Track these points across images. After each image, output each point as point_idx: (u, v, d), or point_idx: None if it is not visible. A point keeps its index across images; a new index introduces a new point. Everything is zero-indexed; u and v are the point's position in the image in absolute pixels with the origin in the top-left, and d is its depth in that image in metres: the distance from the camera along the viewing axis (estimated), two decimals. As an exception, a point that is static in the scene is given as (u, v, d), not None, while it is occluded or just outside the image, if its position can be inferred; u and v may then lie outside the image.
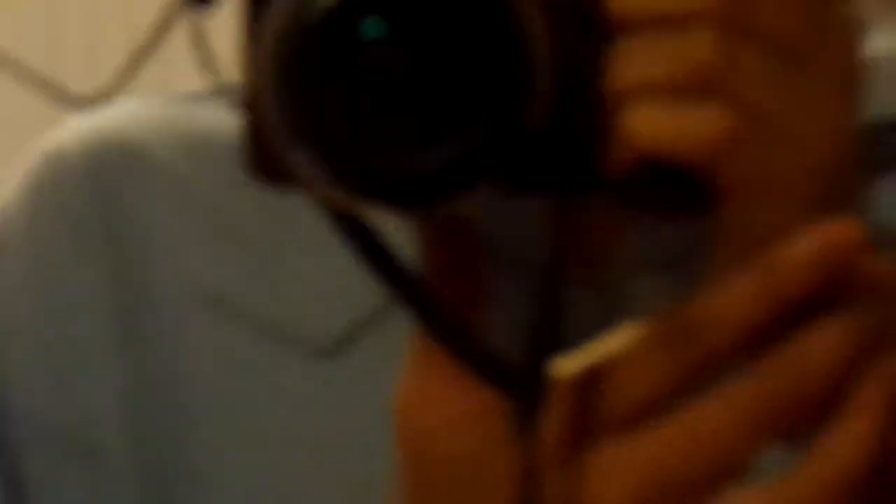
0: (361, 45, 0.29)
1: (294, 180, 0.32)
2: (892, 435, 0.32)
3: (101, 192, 0.53)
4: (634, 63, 0.32)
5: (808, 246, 0.30)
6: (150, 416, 0.51)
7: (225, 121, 0.50)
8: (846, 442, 0.31)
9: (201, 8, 0.36)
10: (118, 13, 2.06)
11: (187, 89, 0.55)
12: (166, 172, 0.53)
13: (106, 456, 0.51)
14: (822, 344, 0.31)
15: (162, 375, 0.51)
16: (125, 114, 0.55)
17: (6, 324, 0.52)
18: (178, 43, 0.37)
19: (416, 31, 0.29)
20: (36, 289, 0.53)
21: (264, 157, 0.33)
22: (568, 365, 0.32)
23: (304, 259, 0.50)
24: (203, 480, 0.51)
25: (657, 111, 0.32)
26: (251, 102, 0.33)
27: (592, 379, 0.33)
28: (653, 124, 0.32)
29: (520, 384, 0.34)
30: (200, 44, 0.37)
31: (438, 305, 0.36)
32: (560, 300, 0.35)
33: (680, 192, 0.33)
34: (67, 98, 0.47)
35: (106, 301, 0.52)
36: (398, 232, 0.40)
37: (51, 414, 0.51)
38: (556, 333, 0.34)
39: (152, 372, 0.51)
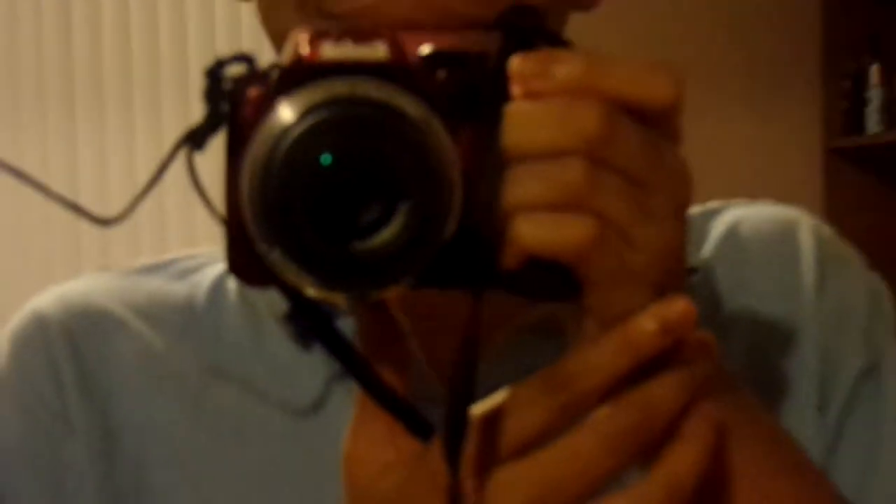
0: (317, 173, 0.36)
1: (269, 277, 0.38)
2: (712, 458, 0.41)
3: (74, 348, 0.61)
4: (523, 185, 0.38)
5: (653, 318, 0.38)
6: (118, 495, 0.61)
7: (163, 287, 0.64)
8: (680, 462, 0.39)
9: (195, 149, 0.42)
10: (123, 159, 2.51)
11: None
12: (123, 328, 0.62)
13: None
14: (664, 390, 0.39)
15: (131, 468, 0.61)
16: (90, 284, 0.65)
17: (4, 455, 0.62)
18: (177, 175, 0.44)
19: (360, 165, 0.36)
20: (20, 422, 0.61)
21: (244, 262, 0.40)
22: (475, 413, 0.40)
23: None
24: None
25: (539, 221, 0.38)
26: (233, 221, 0.39)
27: (491, 422, 0.41)
28: (535, 232, 0.38)
29: (446, 430, 0.40)
30: (194, 176, 0.43)
31: (372, 373, 0.43)
32: (474, 370, 0.41)
33: (557, 282, 0.39)
34: (90, 217, 0.49)
35: (85, 427, 0.60)
36: (345, 317, 0.50)
37: None
38: (469, 392, 0.40)
39: (118, 475, 0.60)
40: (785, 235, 0.68)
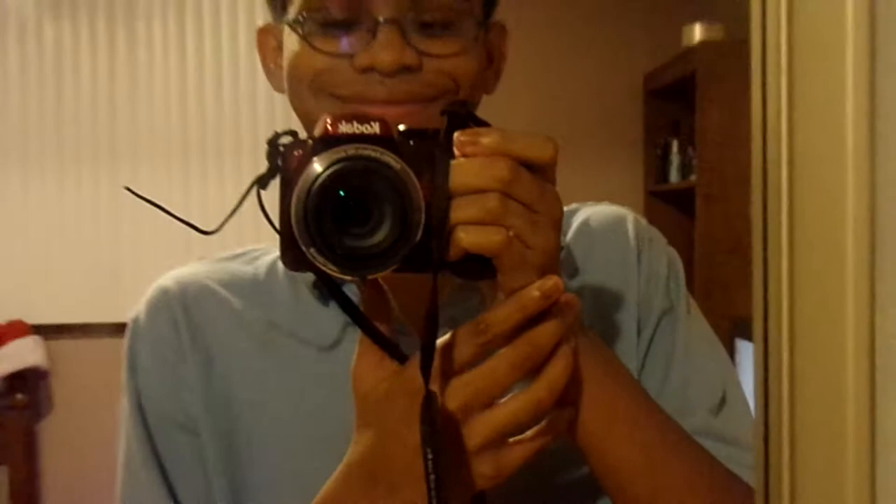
0: (336, 202, 0.49)
1: (307, 265, 0.52)
2: (572, 370, 0.56)
3: (187, 312, 0.76)
4: (462, 210, 0.52)
5: (539, 289, 0.52)
6: (217, 403, 0.75)
7: (238, 269, 0.78)
8: (554, 371, 0.55)
9: (262, 188, 0.57)
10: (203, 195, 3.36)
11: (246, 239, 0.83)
12: (218, 299, 0.77)
13: (198, 433, 0.75)
14: (544, 332, 0.53)
15: (222, 384, 0.75)
16: (193, 268, 0.79)
17: (144, 367, 0.77)
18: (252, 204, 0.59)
19: (361, 197, 0.50)
20: (159, 357, 0.77)
21: (292, 256, 0.54)
22: (434, 350, 0.53)
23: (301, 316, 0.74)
24: (247, 444, 0.74)
25: (472, 231, 0.52)
26: (284, 231, 0.53)
27: (444, 351, 0.55)
28: (469, 238, 0.52)
29: (421, 356, 0.54)
30: (261, 203, 0.58)
31: (370, 322, 0.57)
32: (436, 318, 0.54)
33: (481, 268, 0.54)
34: (198, 229, 0.63)
35: (194, 361, 0.76)
36: (349, 287, 0.66)
37: (170, 409, 0.76)
38: (434, 332, 0.54)
39: (217, 382, 0.75)
40: (617, 224, 0.82)
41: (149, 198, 0.64)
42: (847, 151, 0.44)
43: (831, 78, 0.44)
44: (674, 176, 3.52)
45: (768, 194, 0.48)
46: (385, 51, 0.66)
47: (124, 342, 0.79)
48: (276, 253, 0.64)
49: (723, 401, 0.80)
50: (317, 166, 0.53)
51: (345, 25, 0.69)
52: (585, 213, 0.80)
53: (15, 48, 3.38)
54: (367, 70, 0.67)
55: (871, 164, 0.45)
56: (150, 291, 0.79)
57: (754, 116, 0.46)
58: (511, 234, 0.55)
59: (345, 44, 0.69)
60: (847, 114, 0.44)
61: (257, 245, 0.83)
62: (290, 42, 0.72)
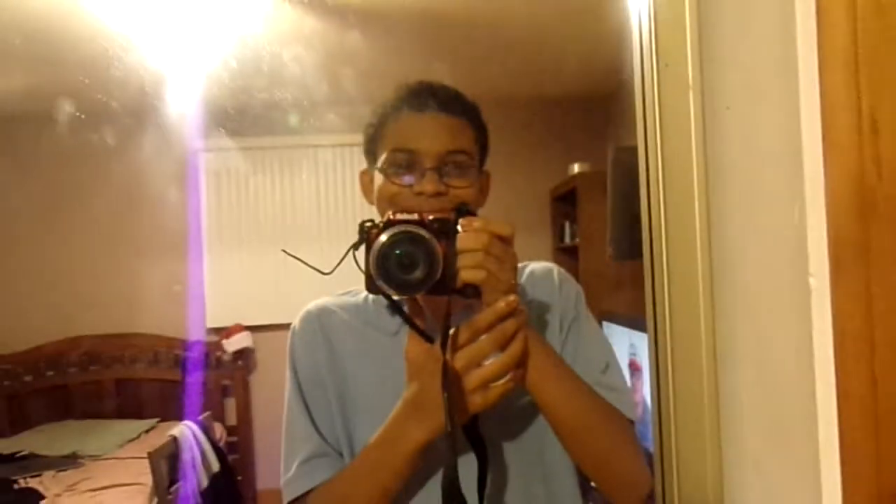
0: (394, 258, 0.88)
1: (380, 291, 0.89)
2: (525, 349, 0.90)
3: (321, 323, 1.12)
4: (463, 260, 0.87)
5: (504, 302, 0.88)
6: (336, 371, 1.10)
7: (349, 299, 1.19)
8: (515, 348, 0.90)
9: (356, 249, 0.87)
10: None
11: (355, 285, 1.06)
12: (337, 316, 1.11)
13: (327, 389, 1.12)
14: (509, 326, 0.89)
15: (339, 360, 1.10)
16: (324, 299, 1.14)
17: (298, 354, 1.13)
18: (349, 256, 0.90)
19: (409, 251, 0.87)
20: (306, 346, 1.10)
21: (372, 286, 0.89)
22: (448, 336, 0.86)
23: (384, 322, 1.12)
24: (352, 393, 1.10)
25: (469, 271, 0.87)
26: (368, 274, 0.89)
27: (454, 337, 0.88)
28: (466, 275, 0.87)
29: (441, 340, 0.86)
30: (355, 258, 0.86)
31: (412, 321, 0.94)
32: (448, 324, 0.81)
33: (473, 292, 0.88)
34: (320, 271, 0.88)
35: (324, 348, 1.10)
36: (403, 302, 1.02)
37: (312, 375, 1.11)
38: (447, 333, 0.84)
39: (336, 359, 1.10)
40: (549, 272, 1.17)
41: (296, 256, 1.07)
42: (695, 215, 0.71)
43: (686, 196, 0.73)
44: (567, 239, 5.09)
45: (652, 242, 0.73)
46: (429, 184, 1.01)
47: (288, 338, 1.18)
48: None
49: (607, 366, 1.13)
50: (384, 237, 0.85)
51: (408, 170, 1.06)
52: (532, 267, 1.15)
53: (232, 193, 5.32)
54: (419, 194, 1.03)
55: (709, 227, 0.73)
56: (301, 312, 1.17)
57: (643, 201, 0.73)
58: (489, 273, 0.86)
59: (407, 179, 1.05)
60: (695, 191, 0.72)
61: (354, 287, 1.18)
62: (378, 178, 1.09)
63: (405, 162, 1.07)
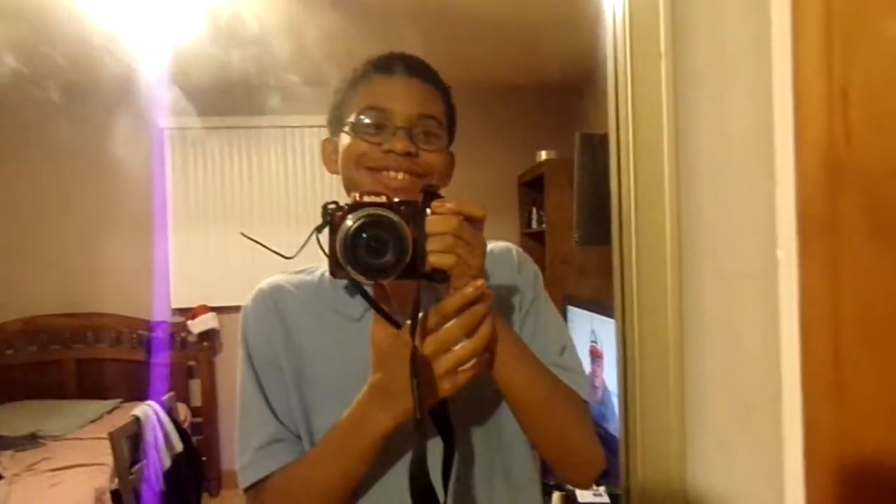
0: (361, 241, 0.86)
1: (346, 275, 0.87)
2: (493, 331, 0.90)
3: (274, 301, 1.07)
4: (432, 244, 0.84)
5: (473, 287, 0.87)
6: (293, 352, 1.05)
7: (304, 277, 1.13)
8: (483, 331, 0.89)
9: (319, 232, 0.83)
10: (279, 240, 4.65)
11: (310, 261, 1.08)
12: (292, 294, 1.07)
13: (283, 370, 1.07)
14: (477, 311, 0.87)
15: (295, 341, 1.05)
16: (278, 277, 1.11)
17: (252, 332, 1.08)
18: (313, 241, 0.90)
19: (377, 235, 0.85)
20: (260, 326, 1.06)
21: (336, 269, 0.88)
22: (417, 321, 0.84)
23: (343, 302, 1.05)
24: (310, 376, 1.05)
25: (437, 255, 0.84)
26: (332, 257, 0.87)
27: (423, 322, 0.85)
28: (435, 259, 0.84)
29: (411, 324, 0.82)
30: (318, 241, 0.83)
31: (379, 306, 0.96)
32: (418, 309, 0.79)
33: (443, 276, 0.85)
34: (281, 255, 0.87)
35: (279, 328, 1.06)
36: (368, 286, 1.01)
37: (267, 356, 1.07)
38: (416, 318, 0.80)
39: (292, 340, 1.05)
40: (508, 252, 1.16)
41: (256, 239, 1.03)
42: (664, 190, 0.68)
43: (655, 179, 0.70)
44: (535, 224, 5.15)
45: (622, 227, 0.70)
46: (399, 142, 0.99)
47: (240, 318, 1.15)
48: (324, 268, 1.00)
49: (563, 348, 1.13)
50: (349, 221, 0.83)
51: (378, 129, 1.02)
52: (490, 246, 1.03)
53: (199, 172, 5.25)
54: (388, 152, 1.00)
55: (678, 202, 0.70)
56: (254, 290, 1.14)
57: (613, 179, 0.71)
58: (458, 257, 0.84)
59: (377, 138, 1.02)
60: (665, 172, 0.68)
61: (313, 264, 1.16)
62: (344, 139, 1.05)
63: (376, 119, 1.05)
